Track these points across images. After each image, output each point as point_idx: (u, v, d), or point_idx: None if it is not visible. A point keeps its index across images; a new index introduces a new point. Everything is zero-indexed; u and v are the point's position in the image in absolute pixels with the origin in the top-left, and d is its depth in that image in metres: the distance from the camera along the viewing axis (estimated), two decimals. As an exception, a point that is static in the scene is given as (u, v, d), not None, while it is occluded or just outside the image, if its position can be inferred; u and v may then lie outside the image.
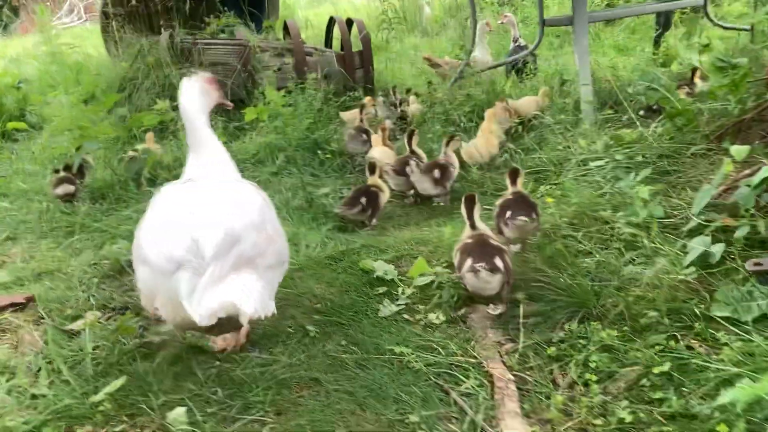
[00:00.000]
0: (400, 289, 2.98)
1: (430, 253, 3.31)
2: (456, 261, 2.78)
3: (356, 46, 7.20)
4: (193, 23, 7.61)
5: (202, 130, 2.47)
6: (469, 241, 2.79)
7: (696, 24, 5.28)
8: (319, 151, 5.03)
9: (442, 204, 4.25)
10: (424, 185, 4.17)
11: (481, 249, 2.69)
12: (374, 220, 3.95)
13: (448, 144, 4.25)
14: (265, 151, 5.12)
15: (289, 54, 7.01)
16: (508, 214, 3.09)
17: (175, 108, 4.47)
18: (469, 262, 2.64)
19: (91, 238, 3.88)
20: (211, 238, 1.92)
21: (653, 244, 2.79)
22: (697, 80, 4.72)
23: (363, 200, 3.91)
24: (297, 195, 4.28)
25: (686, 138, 3.58)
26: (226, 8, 7.83)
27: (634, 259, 2.78)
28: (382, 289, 3.00)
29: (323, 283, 3.09)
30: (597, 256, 2.85)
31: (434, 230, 3.65)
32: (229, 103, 2.93)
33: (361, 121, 5.26)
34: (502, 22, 7.37)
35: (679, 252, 2.72)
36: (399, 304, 2.86)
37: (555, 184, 3.79)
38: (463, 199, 2.91)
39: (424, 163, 4.32)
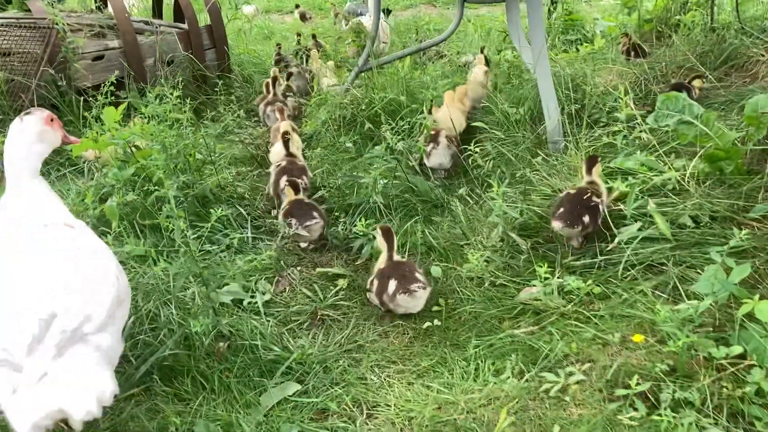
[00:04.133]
0: None
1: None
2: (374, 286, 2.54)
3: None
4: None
5: (25, 186, 1.98)
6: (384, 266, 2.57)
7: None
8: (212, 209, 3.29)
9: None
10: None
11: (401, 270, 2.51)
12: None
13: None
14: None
15: (114, 33, 5.22)
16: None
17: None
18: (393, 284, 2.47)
19: None
20: (23, 325, 1.58)
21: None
22: (697, 85, 3.82)
23: (315, 213, 3.04)
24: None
25: (738, 190, 2.63)
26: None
27: None
28: None
29: None
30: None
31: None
32: (74, 138, 2.22)
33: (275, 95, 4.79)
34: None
35: None
36: None
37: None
38: (380, 231, 2.62)
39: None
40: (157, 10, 6.23)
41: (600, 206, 2.71)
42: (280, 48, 6.85)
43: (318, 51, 6.24)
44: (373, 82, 4.26)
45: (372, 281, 2.57)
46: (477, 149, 3.33)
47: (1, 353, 1.56)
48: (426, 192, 3.28)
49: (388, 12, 8.14)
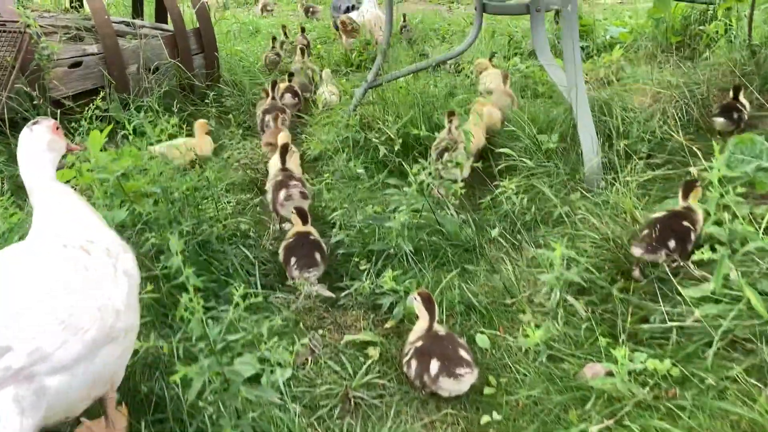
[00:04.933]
0: None
1: None
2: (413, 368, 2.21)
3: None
4: None
5: (46, 190, 1.97)
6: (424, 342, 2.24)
7: None
8: (215, 260, 2.82)
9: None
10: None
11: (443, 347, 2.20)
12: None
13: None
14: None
15: (92, 37, 4.75)
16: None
17: None
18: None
19: None
20: None
21: None
22: (743, 102, 3.51)
23: (318, 256, 2.81)
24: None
25: None
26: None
27: None
28: None
29: None
30: None
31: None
32: (75, 146, 2.28)
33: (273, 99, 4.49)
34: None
35: None
36: None
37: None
38: (420, 299, 2.31)
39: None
40: (138, 9, 5.76)
41: (692, 234, 2.50)
42: (274, 41, 6.47)
43: (304, 52, 5.82)
44: (384, 100, 3.88)
45: (409, 360, 2.21)
46: (512, 186, 2.98)
47: None
48: (456, 234, 2.92)
49: (352, 8, 7.72)
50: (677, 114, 3.51)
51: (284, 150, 3.46)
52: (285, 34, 7.10)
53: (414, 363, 2.19)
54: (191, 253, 2.70)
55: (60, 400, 1.61)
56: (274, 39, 6.59)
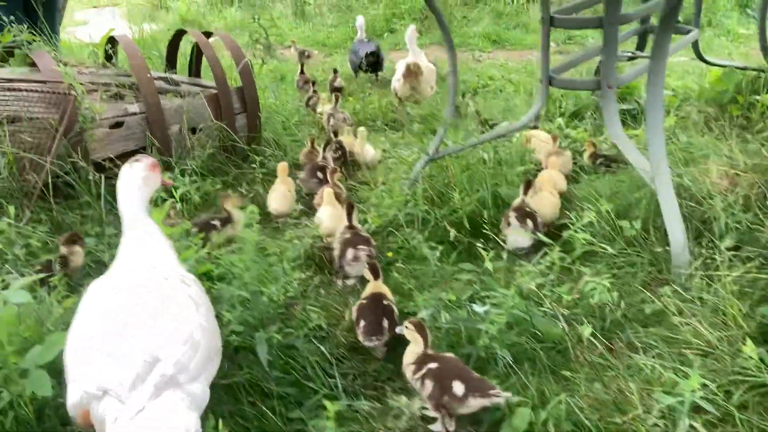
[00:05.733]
0: None
1: None
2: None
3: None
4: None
5: (140, 223, 2.32)
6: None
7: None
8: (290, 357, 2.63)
9: None
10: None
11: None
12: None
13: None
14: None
15: (133, 94, 4.60)
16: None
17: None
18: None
19: None
20: (131, 364, 1.85)
21: None
22: None
23: (385, 323, 2.79)
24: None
25: None
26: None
27: None
28: None
29: None
30: None
31: None
32: (169, 181, 2.70)
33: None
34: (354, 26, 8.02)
35: None
36: None
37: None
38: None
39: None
40: (169, 60, 5.63)
41: None
42: (314, 84, 6.59)
43: (338, 99, 5.77)
44: (446, 174, 3.74)
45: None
46: (604, 282, 2.82)
47: (111, 386, 1.81)
48: (548, 334, 2.75)
49: (375, 54, 7.59)
50: (759, 202, 3.38)
51: (351, 207, 3.51)
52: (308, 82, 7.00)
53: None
54: (274, 358, 2.52)
55: (198, 404, 1.91)
56: (314, 83, 6.67)
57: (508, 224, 3.46)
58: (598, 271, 3.09)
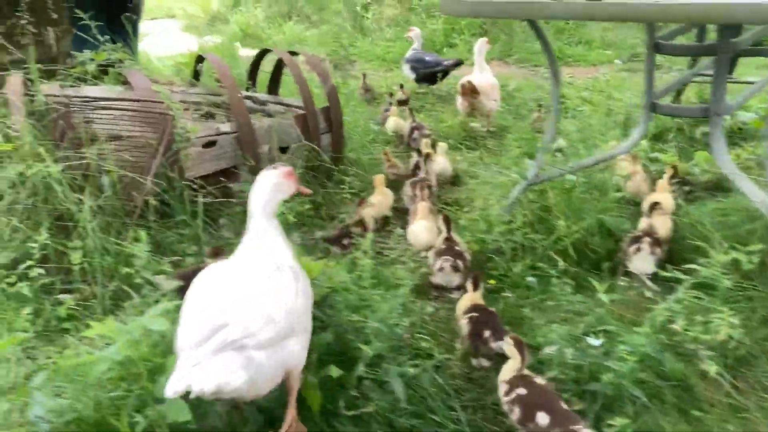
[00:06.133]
0: None
1: None
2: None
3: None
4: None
5: (264, 221, 2.52)
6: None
7: None
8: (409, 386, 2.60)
9: None
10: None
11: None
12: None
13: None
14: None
15: (223, 114, 4.66)
16: None
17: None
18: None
19: None
20: (201, 327, 2.08)
21: None
22: None
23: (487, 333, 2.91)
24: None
25: None
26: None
27: None
28: None
29: None
30: None
31: None
32: (306, 189, 2.84)
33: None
34: (408, 36, 8.16)
35: None
36: None
37: None
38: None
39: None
40: (251, 78, 5.69)
41: None
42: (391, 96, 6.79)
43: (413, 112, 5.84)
44: (545, 199, 3.70)
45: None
46: (730, 318, 2.74)
47: (183, 345, 2.08)
48: (673, 370, 2.69)
49: (459, 63, 7.58)
50: None
51: (448, 220, 3.64)
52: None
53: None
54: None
55: (259, 372, 2.08)
56: (390, 95, 6.89)
57: (638, 249, 3.41)
58: (714, 304, 3.01)
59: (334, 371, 2.41)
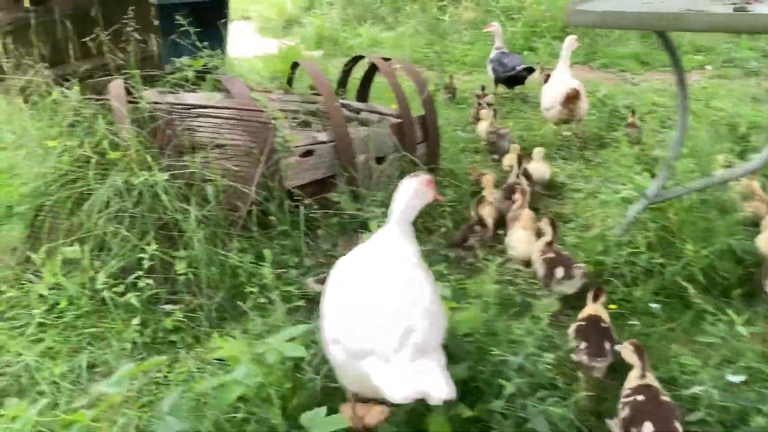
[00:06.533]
0: None
1: None
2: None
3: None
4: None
5: (402, 223, 2.65)
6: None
7: None
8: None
9: None
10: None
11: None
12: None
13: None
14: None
15: (319, 122, 4.60)
16: None
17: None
18: None
19: None
20: (394, 331, 2.13)
21: None
22: None
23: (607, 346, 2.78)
24: None
25: None
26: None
27: None
28: None
29: None
30: None
31: None
32: (440, 196, 3.00)
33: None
34: (487, 30, 8.12)
35: None
36: None
37: None
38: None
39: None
40: (341, 84, 5.62)
41: None
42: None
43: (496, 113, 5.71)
44: (665, 220, 3.48)
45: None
46: None
47: (378, 348, 2.11)
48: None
49: (530, 70, 7.35)
50: None
51: (554, 224, 3.57)
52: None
53: None
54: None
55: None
56: (478, 95, 6.72)
57: None
58: None
59: (465, 411, 2.29)
